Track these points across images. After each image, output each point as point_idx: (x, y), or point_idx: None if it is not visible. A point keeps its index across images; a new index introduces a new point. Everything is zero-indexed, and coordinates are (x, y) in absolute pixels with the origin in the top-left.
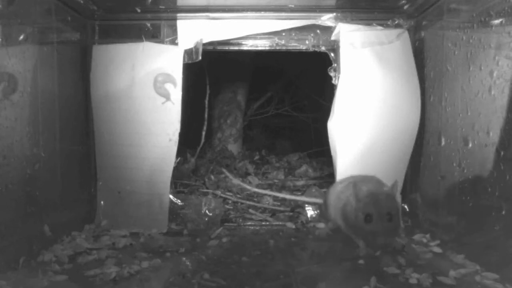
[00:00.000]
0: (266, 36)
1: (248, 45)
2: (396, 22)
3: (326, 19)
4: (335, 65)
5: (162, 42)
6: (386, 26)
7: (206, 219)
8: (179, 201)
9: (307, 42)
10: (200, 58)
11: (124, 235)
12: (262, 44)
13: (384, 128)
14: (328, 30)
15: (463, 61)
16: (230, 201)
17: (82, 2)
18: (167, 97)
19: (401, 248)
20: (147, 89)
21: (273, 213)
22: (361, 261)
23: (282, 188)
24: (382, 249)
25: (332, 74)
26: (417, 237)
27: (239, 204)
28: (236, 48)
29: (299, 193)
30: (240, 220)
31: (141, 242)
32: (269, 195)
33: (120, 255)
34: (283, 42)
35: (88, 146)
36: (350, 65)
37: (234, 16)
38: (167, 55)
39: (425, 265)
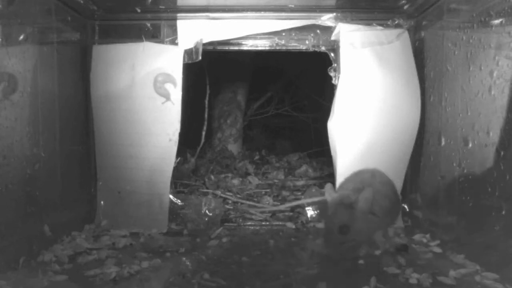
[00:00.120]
0: (266, 36)
1: (248, 45)
2: (396, 22)
3: (326, 19)
4: (335, 65)
5: (162, 42)
6: (386, 26)
7: (206, 219)
8: (179, 201)
9: (307, 42)
10: (200, 58)
11: (124, 235)
12: (262, 44)
13: (384, 128)
14: (328, 30)
15: (463, 61)
16: (230, 201)
17: (82, 2)
18: (167, 97)
19: (404, 249)
20: (147, 89)
21: (273, 213)
22: (361, 261)
23: (282, 188)
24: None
25: (332, 74)
26: (417, 237)
27: (239, 204)
28: (236, 48)
29: (299, 193)
30: (240, 220)
31: (141, 242)
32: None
33: (120, 255)
34: (283, 42)
35: (88, 146)
36: (350, 65)
37: (234, 16)
38: (167, 55)
39: (425, 265)
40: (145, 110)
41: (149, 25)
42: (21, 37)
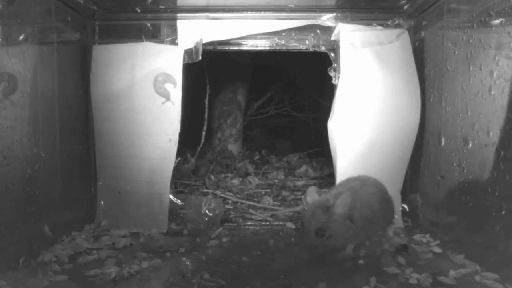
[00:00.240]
0: (266, 36)
1: (248, 45)
2: (396, 22)
3: (326, 19)
4: (335, 65)
5: (162, 42)
6: (386, 26)
7: (206, 219)
8: (179, 201)
9: (307, 42)
10: (200, 58)
11: (124, 235)
12: (262, 44)
13: (384, 128)
14: (328, 30)
15: (463, 61)
16: (230, 201)
17: (82, 2)
18: (167, 97)
19: (404, 249)
20: (147, 89)
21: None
22: (361, 261)
23: (282, 188)
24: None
25: (332, 74)
26: (417, 237)
27: (239, 204)
28: (236, 48)
29: (299, 193)
30: (240, 220)
31: (141, 242)
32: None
33: (120, 255)
34: (283, 42)
35: (88, 146)
36: (350, 65)
37: (234, 16)
38: (167, 55)
39: (425, 265)
40: (145, 110)
41: (149, 25)
42: (21, 37)
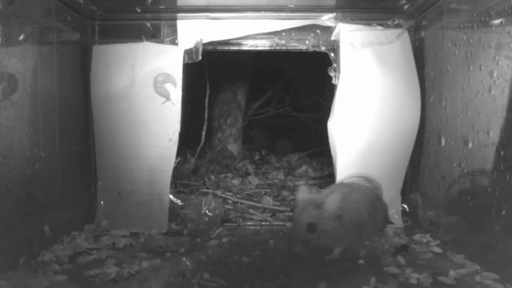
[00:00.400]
0: (266, 36)
1: (248, 45)
2: (396, 22)
3: (326, 19)
4: (335, 65)
5: (162, 42)
6: (386, 26)
7: (206, 219)
8: (179, 201)
9: (307, 42)
10: (200, 58)
11: (124, 235)
12: (262, 44)
13: (384, 128)
14: (328, 30)
15: (463, 61)
16: (230, 201)
17: (82, 2)
18: (167, 97)
19: (404, 249)
20: (147, 89)
21: (273, 213)
22: (361, 261)
23: (282, 188)
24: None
25: (332, 74)
26: (417, 237)
27: (239, 204)
28: (236, 48)
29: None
30: (240, 220)
31: (141, 242)
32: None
33: (120, 255)
34: (283, 42)
35: (88, 146)
36: (350, 65)
37: (234, 16)
38: (167, 55)
39: (425, 265)
40: (145, 110)
41: (149, 25)
42: (21, 37)
